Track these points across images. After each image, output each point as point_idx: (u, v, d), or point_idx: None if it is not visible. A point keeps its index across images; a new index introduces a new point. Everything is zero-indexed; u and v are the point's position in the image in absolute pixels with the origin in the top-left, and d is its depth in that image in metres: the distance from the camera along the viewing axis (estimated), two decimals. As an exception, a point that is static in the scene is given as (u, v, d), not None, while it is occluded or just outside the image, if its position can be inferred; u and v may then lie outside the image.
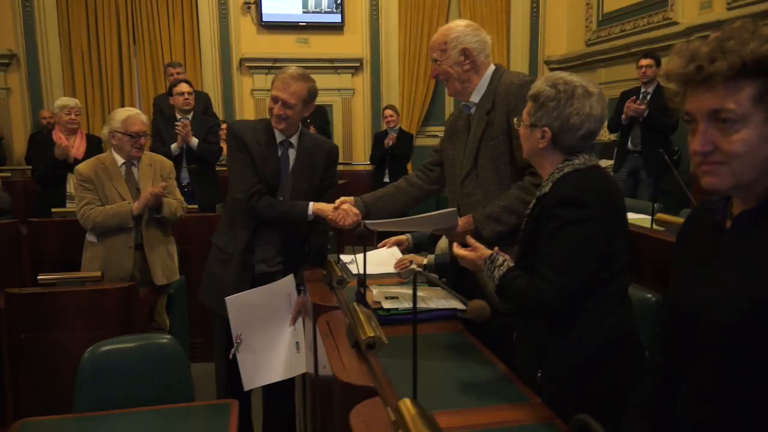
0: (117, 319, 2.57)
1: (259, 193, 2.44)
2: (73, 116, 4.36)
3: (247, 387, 2.44)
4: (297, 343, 2.46)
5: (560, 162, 1.65)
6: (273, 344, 2.48)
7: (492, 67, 2.17)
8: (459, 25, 2.14)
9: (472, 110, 2.17)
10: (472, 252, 1.75)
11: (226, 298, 2.42)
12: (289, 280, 2.47)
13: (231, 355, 2.47)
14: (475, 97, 2.15)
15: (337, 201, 2.37)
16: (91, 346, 2.04)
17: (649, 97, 4.98)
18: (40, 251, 3.64)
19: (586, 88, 1.64)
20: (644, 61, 4.98)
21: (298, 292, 2.48)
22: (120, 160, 3.15)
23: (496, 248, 1.74)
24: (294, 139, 2.54)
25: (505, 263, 1.68)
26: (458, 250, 1.78)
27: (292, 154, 2.53)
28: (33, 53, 6.85)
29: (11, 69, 6.87)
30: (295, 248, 2.56)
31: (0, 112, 6.89)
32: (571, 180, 1.61)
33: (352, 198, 2.38)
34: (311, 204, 2.41)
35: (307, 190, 2.52)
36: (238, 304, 2.43)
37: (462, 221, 2.09)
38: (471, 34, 2.12)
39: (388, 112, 6.36)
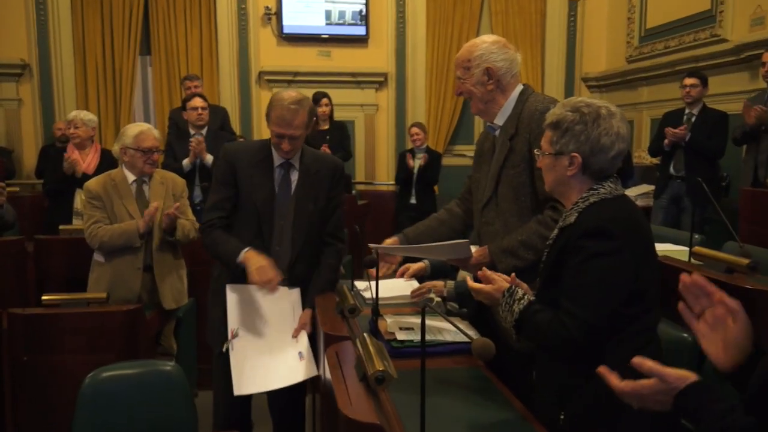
0: (121, 343, 2.64)
1: (211, 227, 2.51)
2: (72, 130, 4.46)
3: (237, 392, 2.37)
4: (300, 353, 2.44)
5: (586, 190, 1.68)
6: (272, 350, 2.45)
7: (519, 88, 2.16)
8: (485, 41, 2.15)
9: (497, 132, 2.18)
10: (489, 285, 1.76)
11: (227, 284, 2.45)
12: (295, 292, 2.51)
13: (224, 348, 2.45)
14: (500, 120, 2.16)
15: (387, 240, 2.37)
16: (93, 371, 2.10)
17: (693, 119, 4.96)
18: (46, 269, 3.75)
19: (609, 108, 1.68)
20: (689, 81, 4.97)
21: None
22: (131, 178, 3.25)
23: (513, 275, 1.74)
24: (295, 160, 2.57)
25: (525, 297, 1.69)
26: (473, 284, 1.79)
27: (294, 175, 2.58)
28: (46, 63, 7.06)
29: (23, 80, 7.09)
30: (300, 273, 2.58)
31: (11, 124, 7.10)
32: (597, 210, 1.63)
33: (395, 237, 2.39)
34: (243, 252, 2.42)
35: (312, 210, 2.56)
36: (238, 294, 2.45)
37: (477, 253, 2.10)
38: (497, 52, 2.11)
39: (415, 130, 6.33)
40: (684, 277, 1.23)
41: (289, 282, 2.55)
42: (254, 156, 2.55)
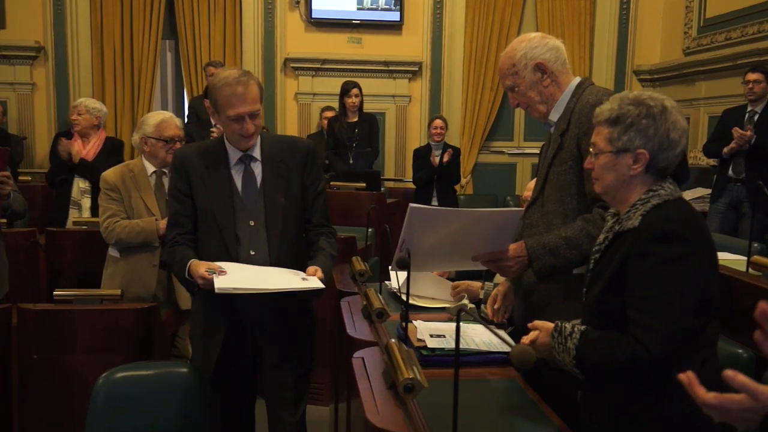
0: (135, 343, 2.68)
1: (174, 245, 2.40)
2: (75, 116, 4.61)
3: (217, 286, 2.16)
4: (303, 278, 2.30)
5: (645, 192, 1.66)
6: (267, 272, 2.32)
7: (576, 81, 2.16)
8: (522, 41, 2.16)
9: (552, 129, 2.19)
10: (536, 333, 1.73)
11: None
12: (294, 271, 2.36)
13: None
14: (554, 116, 2.15)
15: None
16: (106, 371, 2.14)
17: (756, 118, 4.89)
18: (58, 263, 3.83)
19: (671, 101, 1.67)
20: (752, 76, 4.91)
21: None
22: (150, 169, 3.29)
23: (558, 321, 1.72)
24: (255, 150, 2.43)
25: (575, 328, 1.66)
26: (527, 339, 1.74)
27: (257, 168, 2.43)
28: (62, 47, 7.19)
29: (38, 63, 7.23)
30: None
31: (24, 110, 7.24)
32: (663, 212, 1.61)
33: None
34: (189, 263, 2.29)
35: (284, 204, 2.41)
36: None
37: (513, 247, 2.07)
38: (539, 46, 2.12)
39: (439, 122, 6.25)
40: (763, 305, 1.20)
41: None
42: (207, 156, 2.42)
